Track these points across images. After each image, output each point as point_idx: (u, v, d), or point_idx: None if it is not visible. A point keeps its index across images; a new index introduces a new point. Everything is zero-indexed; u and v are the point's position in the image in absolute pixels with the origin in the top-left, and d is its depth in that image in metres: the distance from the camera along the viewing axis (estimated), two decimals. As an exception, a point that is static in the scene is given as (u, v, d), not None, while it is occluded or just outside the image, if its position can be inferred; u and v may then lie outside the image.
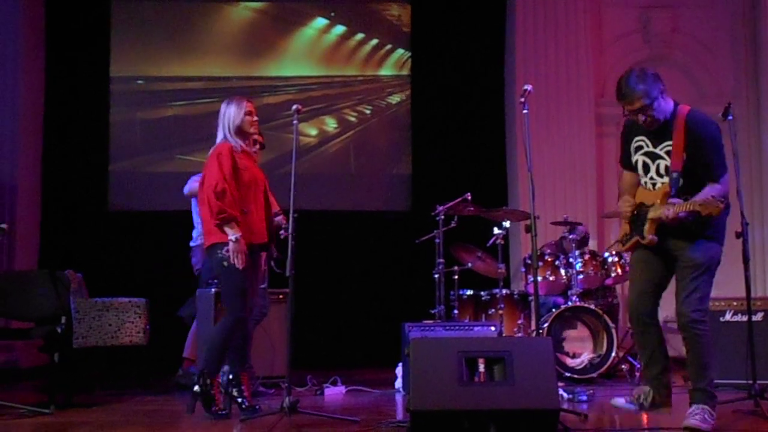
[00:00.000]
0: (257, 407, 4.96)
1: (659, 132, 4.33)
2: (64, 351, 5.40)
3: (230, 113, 5.16)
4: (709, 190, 4.17)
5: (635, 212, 4.39)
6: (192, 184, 6.38)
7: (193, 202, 6.46)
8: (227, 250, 4.90)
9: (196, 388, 4.94)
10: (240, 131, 5.15)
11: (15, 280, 5.85)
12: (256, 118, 5.25)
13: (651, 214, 4.27)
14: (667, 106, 4.33)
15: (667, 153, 4.30)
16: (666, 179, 4.30)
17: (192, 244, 6.63)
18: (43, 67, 8.97)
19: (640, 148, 4.43)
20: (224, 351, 5.00)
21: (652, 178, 4.39)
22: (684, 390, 4.51)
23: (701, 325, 4.25)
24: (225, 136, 5.15)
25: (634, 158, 4.46)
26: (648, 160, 4.40)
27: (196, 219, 6.46)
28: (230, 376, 4.99)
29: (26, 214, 8.60)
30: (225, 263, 4.93)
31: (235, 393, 4.97)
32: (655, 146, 4.36)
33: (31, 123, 8.75)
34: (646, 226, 4.29)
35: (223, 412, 4.90)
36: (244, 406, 4.93)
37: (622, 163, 4.61)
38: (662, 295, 4.46)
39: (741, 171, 5.29)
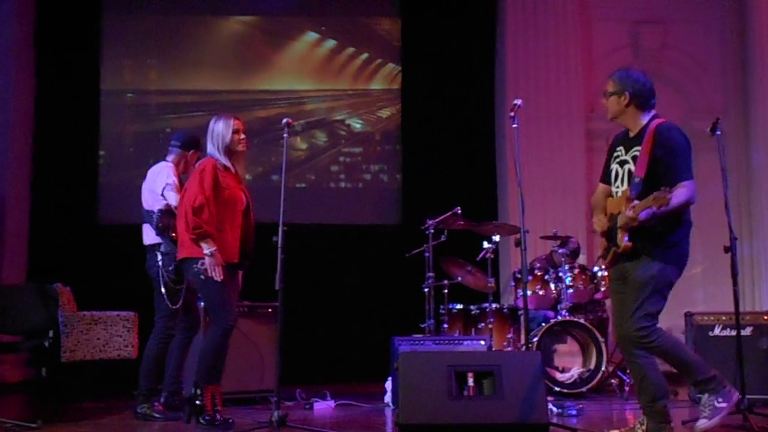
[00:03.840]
0: (230, 420, 4.95)
1: (633, 140, 4.40)
2: (51, 365, 5.37)
3: (218, 131, 5.16)
4: (677, 193, 4.15)
5: (609, 226, 4.40)
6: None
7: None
8: (202, 264, 4.91)
9: (195, 399, 4.92)
10: (228, 150, 5.16)
11: (2, 293, 5.82)
12: (243, 136, 5.22)
13: (620, 222, 4.28)
14: (643, 115, 4.40)
15: (634, 158, 4.35)
16: (626, 186, 4.35)
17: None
18: (34, 79, 8.93)
19: (617, 157, 4.50)
20: (217, 361, 5.00)
21: (617, 186, 4.44)
22: (688, 405, 4.45)
23: (648, 337, 4.19)
24: (212, 153, 5.16)
25: (611, 167, 4.51)
26: (618, 167, 4.46)
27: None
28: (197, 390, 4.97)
29: (15, 227, 8.55)
30: (202, 276, 4.93)
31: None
32: (626, 152, 4.43)
33: (20, 135, 8.71)
34: (619, 236, 4.30)
35: (218, 422, 4.88)
36: (206, 419, 4.90)
37: (601, 176, 4.66)
38: None
39: (729, 186, 5.33)
